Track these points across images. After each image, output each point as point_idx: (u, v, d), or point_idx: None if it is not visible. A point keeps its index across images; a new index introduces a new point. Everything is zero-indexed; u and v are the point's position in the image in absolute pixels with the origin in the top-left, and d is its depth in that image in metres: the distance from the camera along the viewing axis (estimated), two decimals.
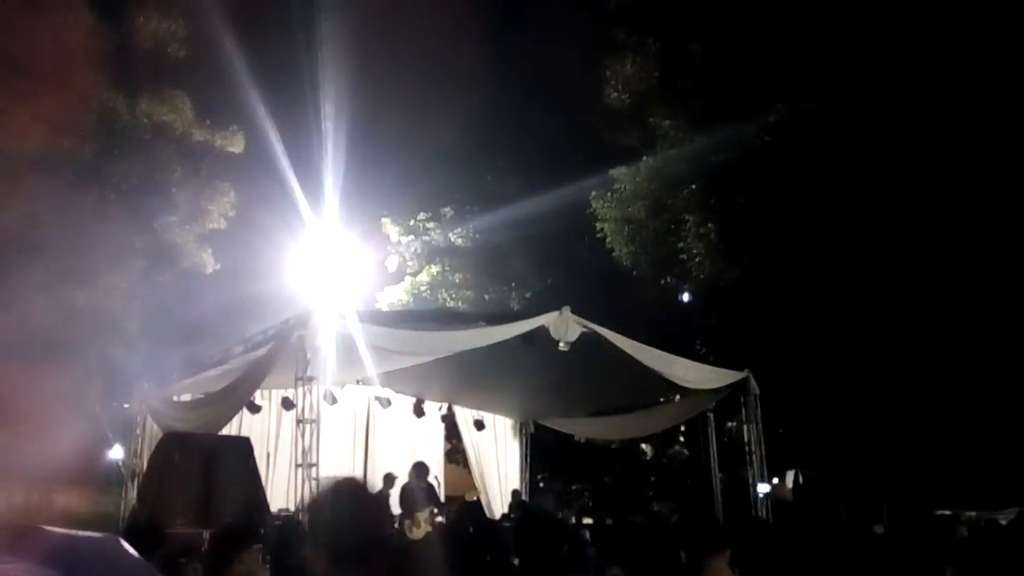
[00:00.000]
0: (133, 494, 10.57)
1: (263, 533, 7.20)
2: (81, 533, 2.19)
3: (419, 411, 13.83)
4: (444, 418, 14.57)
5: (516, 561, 4.09)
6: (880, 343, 14.54)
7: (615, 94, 17.97)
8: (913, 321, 14.27)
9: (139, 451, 11.67)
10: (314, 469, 8.48)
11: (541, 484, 13.83)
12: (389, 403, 13.35)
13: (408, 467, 12.08)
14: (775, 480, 14.17)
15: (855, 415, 14.97)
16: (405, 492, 11.43)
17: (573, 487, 15.54)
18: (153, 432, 11.10)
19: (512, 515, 12.69)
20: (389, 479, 11.73)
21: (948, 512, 10.77)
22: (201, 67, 17.81)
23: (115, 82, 17.00)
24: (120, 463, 16.10)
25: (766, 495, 11.81)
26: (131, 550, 2.07)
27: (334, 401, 11.73)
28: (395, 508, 11.62)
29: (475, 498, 14.41)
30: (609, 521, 16.79)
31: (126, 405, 13.21)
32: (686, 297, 17.84)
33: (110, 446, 18.32)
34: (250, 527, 4.44)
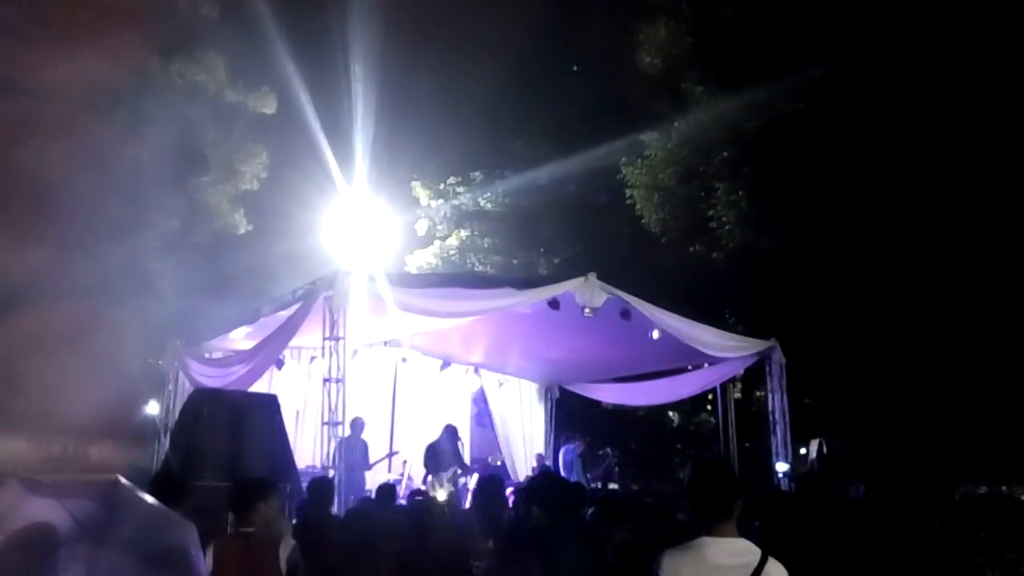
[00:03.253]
0: (165, 448, 10.83)
1: (289, 489, 7.39)
2: (79, 477, 2.29)
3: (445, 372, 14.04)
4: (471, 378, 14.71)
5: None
6: (911, 316, 14.37)
7: (648, 59, 17.74)
8: (945, 294, 14.06)
9: (172, 407, 11.94)
10: (340, 428, 8.65)
11: (563, 448, 13.90)
12: (404, 360, 13.48)
13: (433, 428, 12.25)
14: (802, 450, 14.12)
15: (883, 387, 14.86)
16: (433, 452, 11.61)
17: (599, 452, 15.64)
18: (185, 388, 11.35)
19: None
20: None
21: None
22: (233, 28, 17.84)
23: (148, 42, 17.11)
24: (156, 419, 16.48)
25: (784, 474, 11.61)
26: (131, 489, 2.16)
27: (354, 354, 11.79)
28: (421, 467, 11.86)
29: (499, 463, 14.51)
30: (635, 487, 16.91)
31: (160, 362, 13.47)
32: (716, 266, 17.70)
33: (146, 401, 18.73)
34: (267, 480, 4.56)
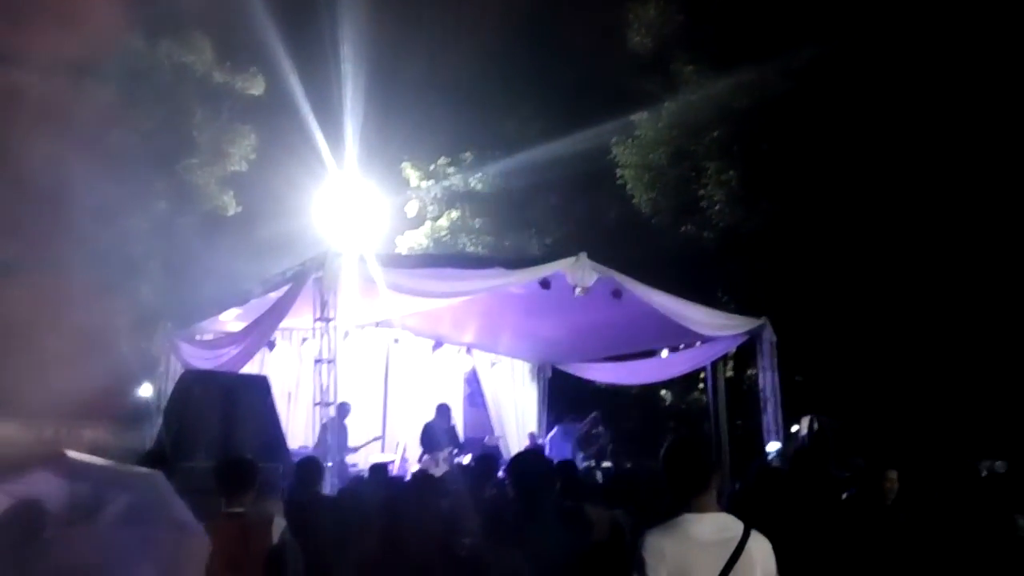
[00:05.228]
0: (156, 430, 10.84)
1: (282, 470, 7.40)
2: (122, 465, 2.25)
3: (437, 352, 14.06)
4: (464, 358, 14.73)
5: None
6: (902, 292, 14.42)
7: (638, 38, 17.67)
8: (936, 271, 14.11)
9: (163, 389, 11.93)
10: (332, 408, 8.67)
11: (555, 428, 13.91)
12: (396, 341, 13.48)
13: (426, 409, 12.27)
14: (793, 428, 14.18)
15: (875, 363, 14.92)
16: (427, 432, 11.63)
17: (592, 431, 15.70)
18: (177, 370, 11.34)
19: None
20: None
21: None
22: (221, 8, 17.67)
23: (135, 23, 16.94)
24: (147, 401, 16.44)
25: (778, 452, 11.52)
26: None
27: (345, 335, 11.76)
28: (417, 447, 11.88)
29: (495, 443, 14.51)
30: (628, 464, 16.92)
31: (151, 344, 13.44)
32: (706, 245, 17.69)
33: (138, 384, 18.69)
34: (251, 460, 4.52)
